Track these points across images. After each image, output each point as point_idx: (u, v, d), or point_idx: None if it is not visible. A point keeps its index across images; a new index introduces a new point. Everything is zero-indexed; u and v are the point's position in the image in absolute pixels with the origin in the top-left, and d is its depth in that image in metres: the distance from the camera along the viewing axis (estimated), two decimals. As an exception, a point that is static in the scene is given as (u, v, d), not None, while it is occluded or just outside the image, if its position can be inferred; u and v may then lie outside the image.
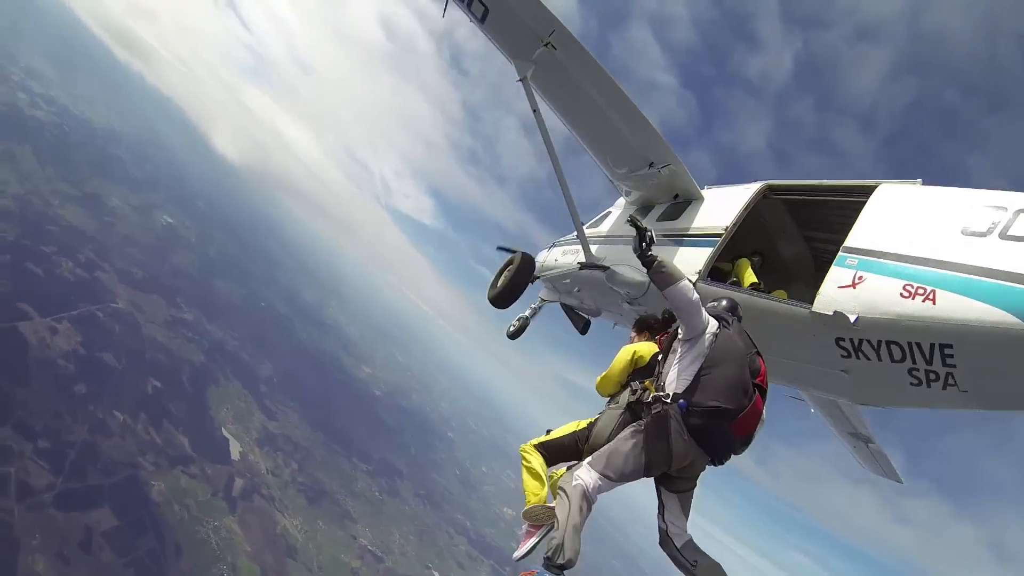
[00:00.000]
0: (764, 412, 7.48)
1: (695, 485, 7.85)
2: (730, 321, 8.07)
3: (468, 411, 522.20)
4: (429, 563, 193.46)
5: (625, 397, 8.25)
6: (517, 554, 7.92)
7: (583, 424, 8.54)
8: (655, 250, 7.72)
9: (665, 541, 7.72)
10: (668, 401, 7.24)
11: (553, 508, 7.37)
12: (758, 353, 7.81)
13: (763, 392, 7.50)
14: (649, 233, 7.69)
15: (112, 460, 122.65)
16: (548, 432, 8.66)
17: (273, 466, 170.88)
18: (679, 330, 7.80)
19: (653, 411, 7.35)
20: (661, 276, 7.49)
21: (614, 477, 7.22)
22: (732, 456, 7.49)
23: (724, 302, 8.60)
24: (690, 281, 8.01)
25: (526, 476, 8.16)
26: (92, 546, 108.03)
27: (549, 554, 6.79)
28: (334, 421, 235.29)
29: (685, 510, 7.74)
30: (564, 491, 7.21)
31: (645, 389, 8.03)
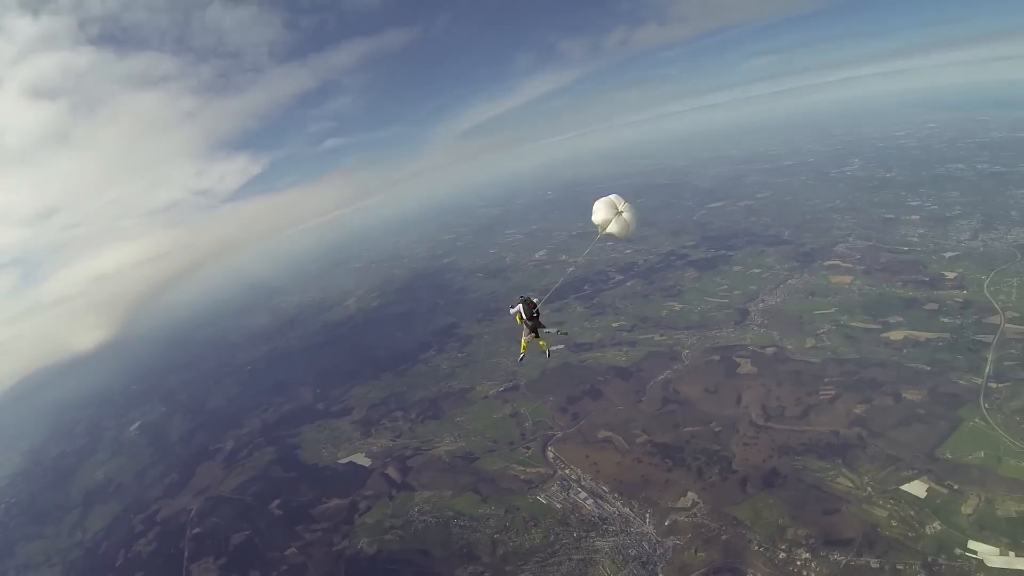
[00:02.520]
0: (536, 310, 38.96)
1: (539, 325, 39.46)
2: (521, 300, 39.17)
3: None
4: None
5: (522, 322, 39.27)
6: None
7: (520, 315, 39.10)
8: None
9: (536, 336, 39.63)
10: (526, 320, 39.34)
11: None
12: (530, 300, 39.14)
13: (534, 306, 38.89)
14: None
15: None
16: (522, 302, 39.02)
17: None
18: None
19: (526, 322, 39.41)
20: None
21: (527, 332, 39.33)
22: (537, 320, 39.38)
23: (521, 297, 39.36)
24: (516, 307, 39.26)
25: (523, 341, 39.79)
26: None
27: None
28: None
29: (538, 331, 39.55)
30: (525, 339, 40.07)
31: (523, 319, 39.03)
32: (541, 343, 40.03)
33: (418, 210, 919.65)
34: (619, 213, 35.23)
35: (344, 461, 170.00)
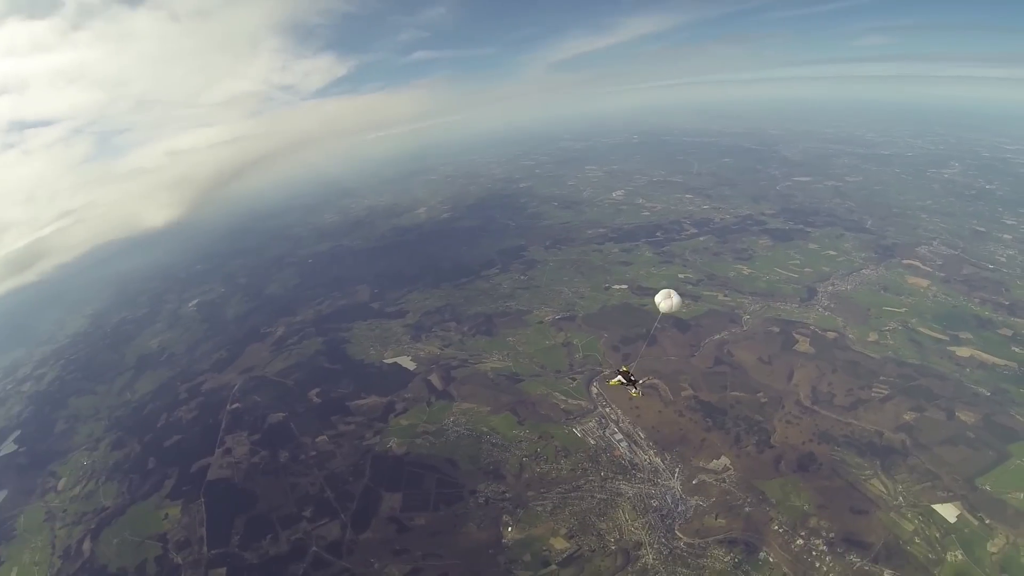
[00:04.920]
0: (631, 375, 53.80)
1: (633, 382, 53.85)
2: (619, 372, 54.79)
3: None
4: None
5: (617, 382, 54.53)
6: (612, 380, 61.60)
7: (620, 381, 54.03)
8: None
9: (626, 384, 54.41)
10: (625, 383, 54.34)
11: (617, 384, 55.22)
12: (627, 370, 54.19)
13: (628, 372, 54.11)
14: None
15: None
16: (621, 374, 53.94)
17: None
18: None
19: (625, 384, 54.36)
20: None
21: (627, 382, 53.61)
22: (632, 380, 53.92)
23: (619, 370, 55.26)
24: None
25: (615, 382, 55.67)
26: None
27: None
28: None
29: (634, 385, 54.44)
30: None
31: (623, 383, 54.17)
32: (634, 393, 56.09)
33: (500, 134, 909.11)
34: (670, 299, 47.39)
35: (389, 361, 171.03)
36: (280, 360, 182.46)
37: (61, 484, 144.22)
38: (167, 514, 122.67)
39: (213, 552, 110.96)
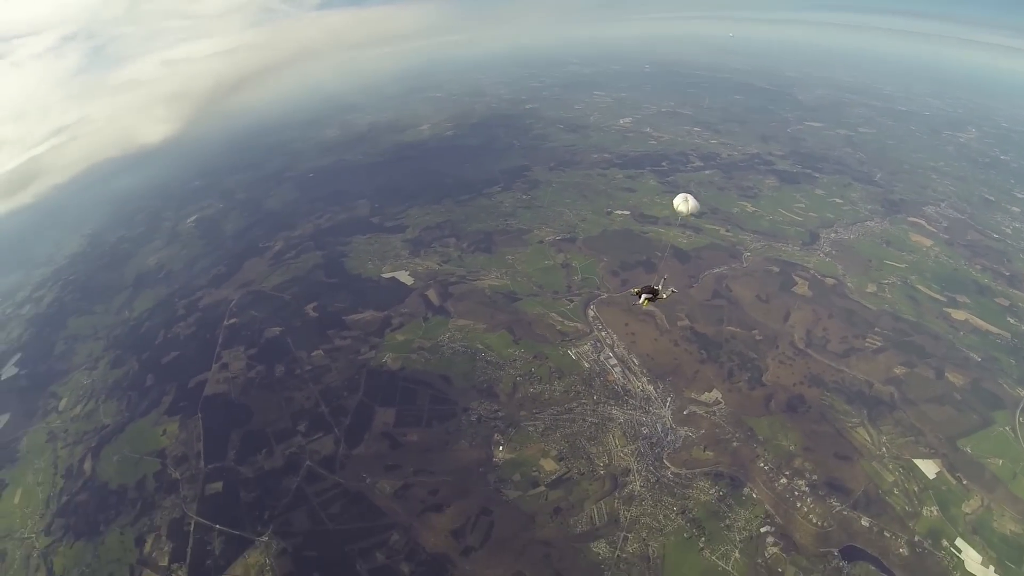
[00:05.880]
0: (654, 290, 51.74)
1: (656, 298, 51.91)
2: (645, 290, 52.03)
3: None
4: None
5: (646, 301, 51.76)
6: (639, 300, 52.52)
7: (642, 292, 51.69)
8: None
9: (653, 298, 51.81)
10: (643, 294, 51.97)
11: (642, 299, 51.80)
12: (652, 287, 52.28)
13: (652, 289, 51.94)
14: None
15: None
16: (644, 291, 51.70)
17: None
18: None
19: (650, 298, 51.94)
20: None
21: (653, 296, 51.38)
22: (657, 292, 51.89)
23: (643, 290, 52.17)
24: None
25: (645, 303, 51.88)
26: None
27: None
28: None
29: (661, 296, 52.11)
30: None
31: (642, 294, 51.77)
32: (664, 296, 54.37)
33: (508, 54, 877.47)
34: (686, 202, 52.55)
35: (387, 276, 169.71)
36: (278, 275, 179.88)
37: (62, 404, 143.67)
38: (165, 430, 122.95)
39: (210, 467, 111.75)
